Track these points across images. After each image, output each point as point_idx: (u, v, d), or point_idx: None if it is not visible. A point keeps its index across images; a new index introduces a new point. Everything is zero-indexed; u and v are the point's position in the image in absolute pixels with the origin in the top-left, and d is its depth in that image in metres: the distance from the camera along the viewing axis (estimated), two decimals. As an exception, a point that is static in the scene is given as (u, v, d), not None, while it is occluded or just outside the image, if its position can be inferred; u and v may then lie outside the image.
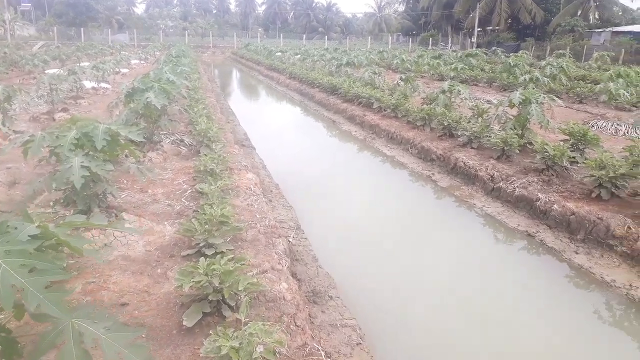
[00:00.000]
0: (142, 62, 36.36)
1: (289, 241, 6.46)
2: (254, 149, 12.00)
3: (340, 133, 14.83)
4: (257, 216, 6.53)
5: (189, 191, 7.45)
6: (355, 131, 14.72)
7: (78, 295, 4.29)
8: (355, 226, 7.71)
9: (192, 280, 3.86)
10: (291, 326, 4.16)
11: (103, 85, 19.60)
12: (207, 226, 5.10)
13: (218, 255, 4.75)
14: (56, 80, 14.33)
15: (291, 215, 7.69)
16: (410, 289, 5.90)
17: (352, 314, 5.05)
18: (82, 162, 5.16)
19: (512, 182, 8.35)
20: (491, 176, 8.86)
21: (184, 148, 10.01)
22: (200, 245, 5.06)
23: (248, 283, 4.05)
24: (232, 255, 4.47)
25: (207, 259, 4.42)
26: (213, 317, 4.05)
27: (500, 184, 8.53)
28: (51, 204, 5.77)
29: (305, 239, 6.79)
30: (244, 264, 4.28)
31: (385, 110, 14.98)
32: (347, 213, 8.31)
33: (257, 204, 7.05)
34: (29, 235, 2.20)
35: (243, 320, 3.14)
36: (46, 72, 20.13)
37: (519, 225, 7.42)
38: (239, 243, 5.57)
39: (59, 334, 2.11)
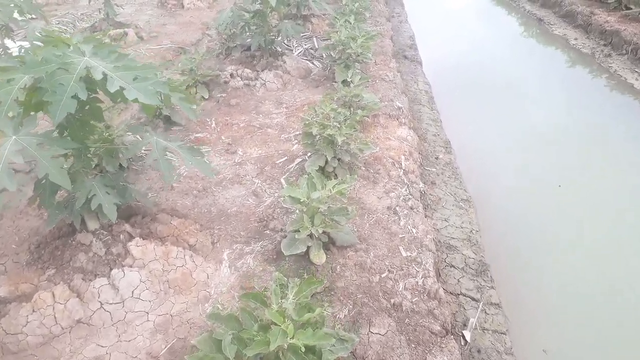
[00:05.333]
0: None
1: (464, 341, 2.91)
2: (420, 64, 7.97)
3: (551, 41, 9.68)
4: (404, 253, 3.09)
5: (298, 160, 4.22)
6: (576, 39, 9.43)
7: None
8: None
9: None
10: None
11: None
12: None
13: None
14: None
15: (469, 225, 4.01)
16: None
17: None
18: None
19: None
20: None
21: (316, 64, 6.59)
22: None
23: None
24: None
25: None
26: None
27: None
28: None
29: (503, 317, 3.18)
30: None
31: (630, 8, 9.29)
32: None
33: (406, 208, 3.55)
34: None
35: None
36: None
37: None
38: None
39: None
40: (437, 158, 4.99)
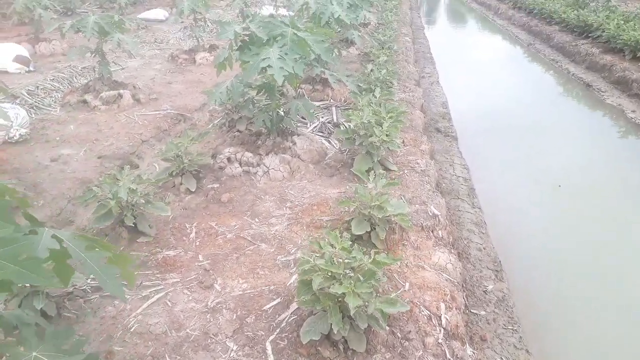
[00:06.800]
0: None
1: None
2: (455, 139, 6.77)
3: (607, 112, 8.38)
4: None
5: (295, 307, 2.98)
6: (634, 111, 8.12)
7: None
8: None
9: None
10: None
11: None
12: None
13: None
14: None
15: None
16: None
17: None
18: None
19: None
20: None
21: (334, 143, 5.46)
22: None
23: None
24: None
25: None
26: None
27: None
28: None
29: None
30: None
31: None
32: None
33: None
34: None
35: None
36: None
37: None
38: None
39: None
40: (485, 291, 3.68)
